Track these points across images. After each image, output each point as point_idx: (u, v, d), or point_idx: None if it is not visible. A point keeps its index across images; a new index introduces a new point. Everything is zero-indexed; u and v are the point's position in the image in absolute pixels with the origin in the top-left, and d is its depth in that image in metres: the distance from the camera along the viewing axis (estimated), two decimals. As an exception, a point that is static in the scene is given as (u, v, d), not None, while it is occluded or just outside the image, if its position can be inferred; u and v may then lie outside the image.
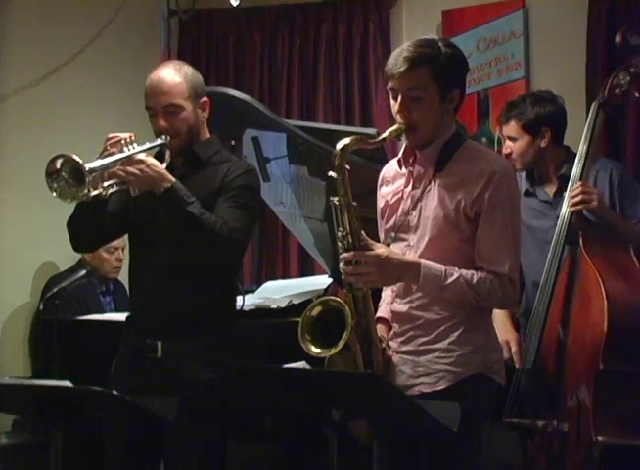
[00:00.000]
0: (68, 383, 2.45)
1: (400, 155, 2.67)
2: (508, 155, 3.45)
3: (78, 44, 4.73)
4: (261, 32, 5.31)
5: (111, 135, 2.85)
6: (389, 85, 2.55)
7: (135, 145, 2.85)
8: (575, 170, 3.31)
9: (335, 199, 2.50)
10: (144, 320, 2.97)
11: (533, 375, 3.21)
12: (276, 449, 3.83)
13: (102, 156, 2.82)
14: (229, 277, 3.07)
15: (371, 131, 4.04)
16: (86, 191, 2.72)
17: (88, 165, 2.71)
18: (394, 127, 2.54)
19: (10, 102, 4.38)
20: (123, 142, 2.83)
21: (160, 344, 2.92)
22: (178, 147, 2.95)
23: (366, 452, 2.75)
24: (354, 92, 5.12)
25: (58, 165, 2.73)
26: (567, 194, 3.31)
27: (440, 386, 2.53)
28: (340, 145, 2.49)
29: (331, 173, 2.49)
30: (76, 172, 2.71)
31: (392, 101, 2.56)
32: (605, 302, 3.04)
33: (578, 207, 3.27)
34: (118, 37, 4.95)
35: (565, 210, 3.29)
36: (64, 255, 4.46)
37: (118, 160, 2.80)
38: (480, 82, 4.85)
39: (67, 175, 2.73)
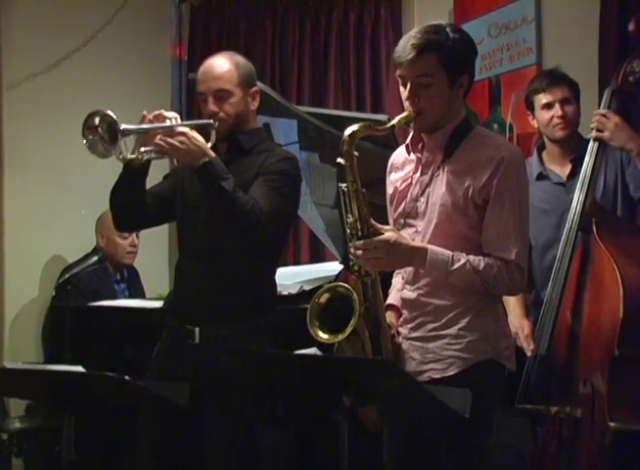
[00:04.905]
0: (80, 368, 2.47)
1: (408, 140, 2.67)
2: (562, 117, 3.40)
3: (90, 30, 4.73)
4: (272, 18, 5.28)
5: (157, 112, 2.88)
6: (398, 73, 2.54)
7: (179, 121, 2.89)
8: (588, 158, 3.30)
9: (343, 185, 2.50)
10: (184, 305, 3.03)
11: (546, 362, 3.21)
12: (286, 436, 3.84)
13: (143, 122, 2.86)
14: (270, 263, 3.10)
15: (382, 117, 4.03)
16: (117, 151, 2.76)
17: (124, 126, 2.74)
18: (404, 114, 2.53)
19: (22, 88, 4.39)
20: (168, 116, 2.87)
21: (197, 330, 2.96)
22: (224, 131, 3.00)
23: (376, 439, 2.75)
24: (365, 78, 5.08)
25: (97, 122, 2.77)
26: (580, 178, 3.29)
27: (450, 372, 2.54)
28: (348, 131, 2.48)
29: (339, 160, 2.48)
30: (111, 131, 2.75)
31: (401, 88, 2.56)
32: (620, 288, 3.03)
33: (592, 134, 3.29)
34: (130, 23, 4.95)
35: (578, 196, 3.26)
36: (75, 241, 4.48)
37: (158, 127, 2.85)
38: (491, 68, 4.81)
39: (102, 132, 2.76)
